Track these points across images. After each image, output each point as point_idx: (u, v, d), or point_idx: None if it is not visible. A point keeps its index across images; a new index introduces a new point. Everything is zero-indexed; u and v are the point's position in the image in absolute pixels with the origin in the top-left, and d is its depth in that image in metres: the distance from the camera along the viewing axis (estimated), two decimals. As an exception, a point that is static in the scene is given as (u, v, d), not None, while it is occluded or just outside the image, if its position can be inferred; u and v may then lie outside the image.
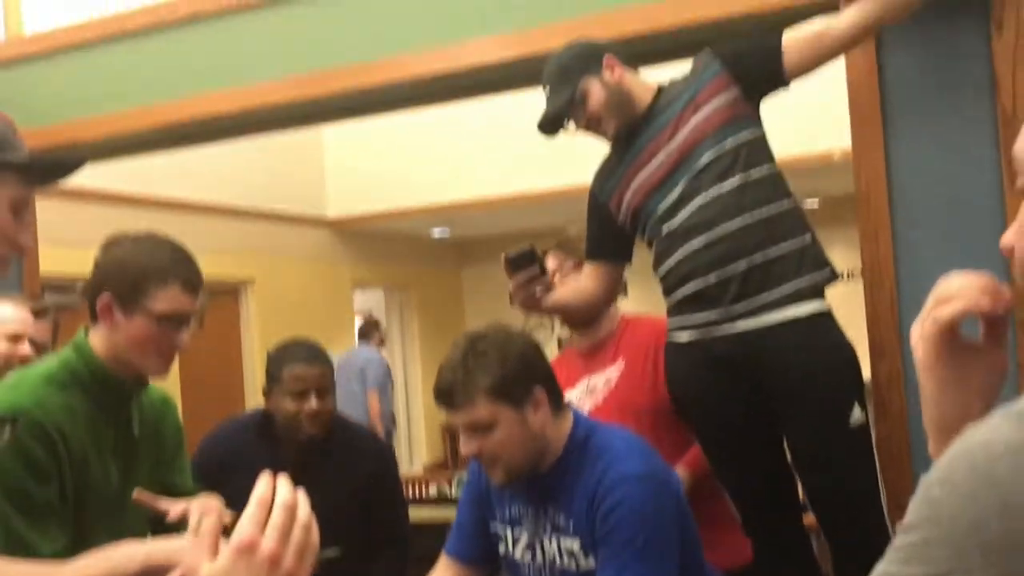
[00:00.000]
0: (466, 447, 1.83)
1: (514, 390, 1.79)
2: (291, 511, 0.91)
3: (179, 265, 1.82)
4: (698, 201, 2.13)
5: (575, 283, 2.48)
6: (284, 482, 0.93)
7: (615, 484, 1.76)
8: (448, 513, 2.31)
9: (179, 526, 1.86)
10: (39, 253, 3.28)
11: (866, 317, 2.34)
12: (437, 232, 9.92)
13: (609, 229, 2.35)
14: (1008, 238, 0.85)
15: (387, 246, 9.65)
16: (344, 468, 2.61)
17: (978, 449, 0.68)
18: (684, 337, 2.19)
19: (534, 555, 1.88)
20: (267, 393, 2.67)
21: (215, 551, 0.90)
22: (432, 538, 2.18)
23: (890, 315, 2.30)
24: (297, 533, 0.91)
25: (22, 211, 1.45)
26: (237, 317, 7.85)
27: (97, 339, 1.82)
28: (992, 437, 0.68)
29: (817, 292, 2.13)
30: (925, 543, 0.68)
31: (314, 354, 2.65)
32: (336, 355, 9.98)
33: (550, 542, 1.84)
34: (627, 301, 2.72)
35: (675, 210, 2.16)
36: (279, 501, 0.91)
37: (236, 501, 1.00)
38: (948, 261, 2.23)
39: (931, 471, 0.71)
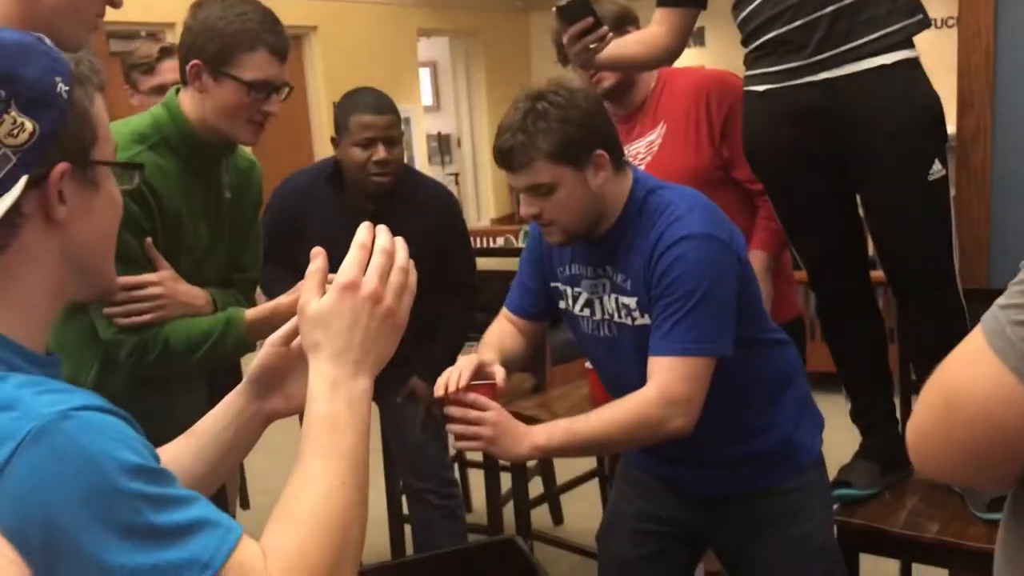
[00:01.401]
0: (526, 209, 1.81)
1: (575, 152, 1.75)
2: (390, 255, 0.98)
3: (267, 31, 1.78)
4: (785, -61, 1.98)
5: (639, 34, 2.35)
6: (383, 229, 1.00)
7: (673, 243, 1.74)
8: (513, 263, 2.35)
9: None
10: None
11: (957, 68, 2.22)
12: (504, -25, 9.54)
13: None
14: None
15: (452, -10, 9.33)
16: (414, 216, 2.64)
17: None
18: (762, 87, 2.11)
19: (592, 311, 1.91)
20: (336, 143, 2.67)
21: (322, 290, 0.97)
22: (498, 286, 2.22)
23: (984, 66, 2.19)
24: (396, 275, 0.98)
25: None
26: (302, 64, 7.78)
27: (188, 102, 1.81)
28: None
29: (906, 40, 2.01)
30: None
31: (381, 103, 2.63)
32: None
33: (608, 299, 1.86)
34: (705, 53, 2.60)
35: (760, -51, 2.02)
36: (379, 246, 0.98)
37: (309, 247, 1.03)
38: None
39: None
